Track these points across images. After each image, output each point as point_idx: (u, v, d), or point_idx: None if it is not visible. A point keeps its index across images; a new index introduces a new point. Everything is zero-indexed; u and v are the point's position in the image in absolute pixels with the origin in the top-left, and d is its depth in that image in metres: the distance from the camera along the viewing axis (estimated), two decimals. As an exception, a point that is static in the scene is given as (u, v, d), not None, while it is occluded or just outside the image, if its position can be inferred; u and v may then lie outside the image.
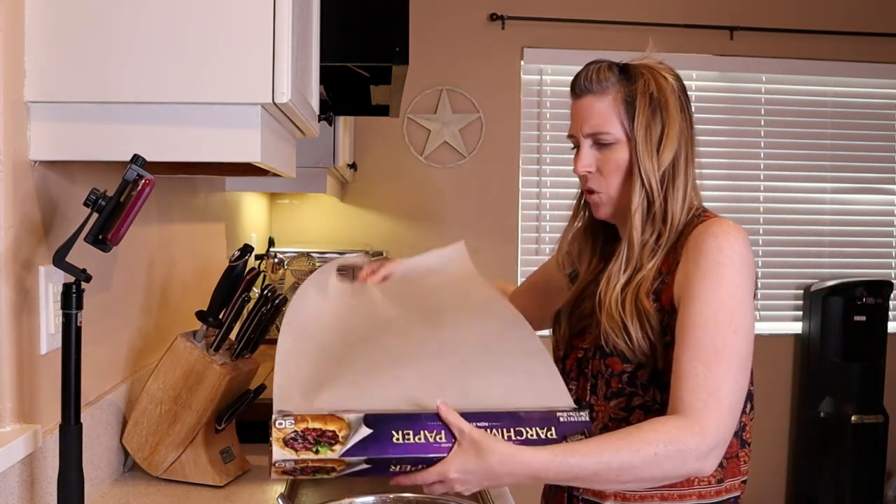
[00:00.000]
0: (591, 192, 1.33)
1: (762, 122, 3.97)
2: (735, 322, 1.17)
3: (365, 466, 1.06)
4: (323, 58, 1.45)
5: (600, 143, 1.29)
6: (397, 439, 1.07)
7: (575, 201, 1.43)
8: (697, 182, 1.33)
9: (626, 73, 1.31)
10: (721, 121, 3.91)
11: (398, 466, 1.08)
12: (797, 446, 3.99)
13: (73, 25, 1.08)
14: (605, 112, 1.28)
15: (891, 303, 3.89)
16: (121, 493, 1.43)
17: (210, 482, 1.45)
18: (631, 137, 1.28)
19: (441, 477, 1.09)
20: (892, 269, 4.10)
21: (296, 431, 1.03)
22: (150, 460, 1.47)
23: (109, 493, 1.43)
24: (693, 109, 1.36)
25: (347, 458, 1.03)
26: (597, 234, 1.42)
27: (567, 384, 1.24)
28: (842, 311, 3.79)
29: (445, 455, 1.09)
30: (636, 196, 1.27)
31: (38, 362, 1.19)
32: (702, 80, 3.89)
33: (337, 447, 1.03)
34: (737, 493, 1.29)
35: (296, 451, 1.02)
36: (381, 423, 1.07)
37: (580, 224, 1.43)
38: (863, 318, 3.78)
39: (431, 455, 1.08)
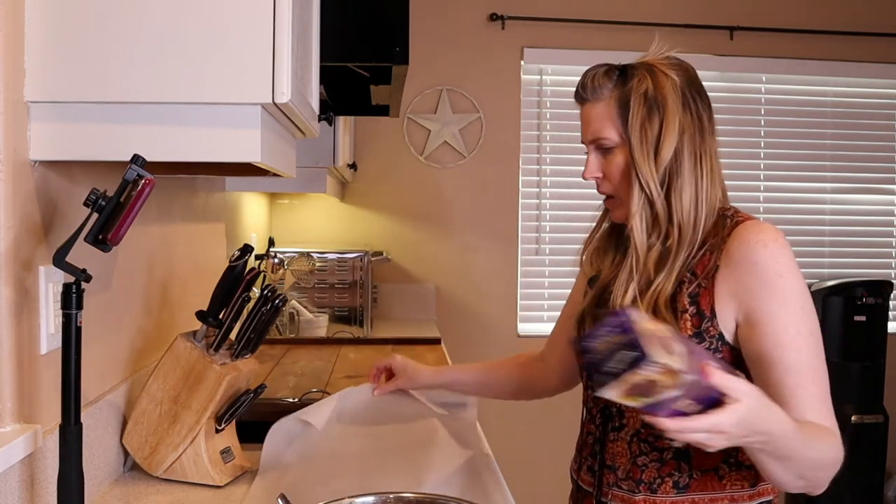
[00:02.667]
0: (606, 196, 1.34)
1: (762, 122, 3.97)
2: (816, 334, 1.22)
3: (677, 393, 0.96)
4: (323, 58, 1.45)
5: (602, 149, 1.30)
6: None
7: (601, 212, 1.43)
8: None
9: (624, 74, 1.30)
10: (721, 121, 3.83)
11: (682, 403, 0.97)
12: (797, 446, 3.99)
13: (73, 25, 1.08)
14: (601, 117, 1.29)
15: (891, 303, 3.89)
16: (121, 493, 1.43)
17: (210, 482, 1.45)
18: (626, 141, 1.27)
19: (716, 428, 0.97)
20: (892, 269, 4.10)
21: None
22: (150, 460, 1.47)
23: (109, 493, 1.43)
24: (708, 102, 1.35)
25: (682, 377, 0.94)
26: (619, 237, 1.41)
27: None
28: (842, 311, 3.79)
29: (719, 398, 0.97)
30: (634, 200, 1.27)
31: (38, 362, 1.19)
32: (702, 81, 3.87)
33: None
34: (769, 498, 1.27)
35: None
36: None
37: (606, 225, 1.42)
38: (863, 318, 3.78)
39: (714, 395, 0.98)
